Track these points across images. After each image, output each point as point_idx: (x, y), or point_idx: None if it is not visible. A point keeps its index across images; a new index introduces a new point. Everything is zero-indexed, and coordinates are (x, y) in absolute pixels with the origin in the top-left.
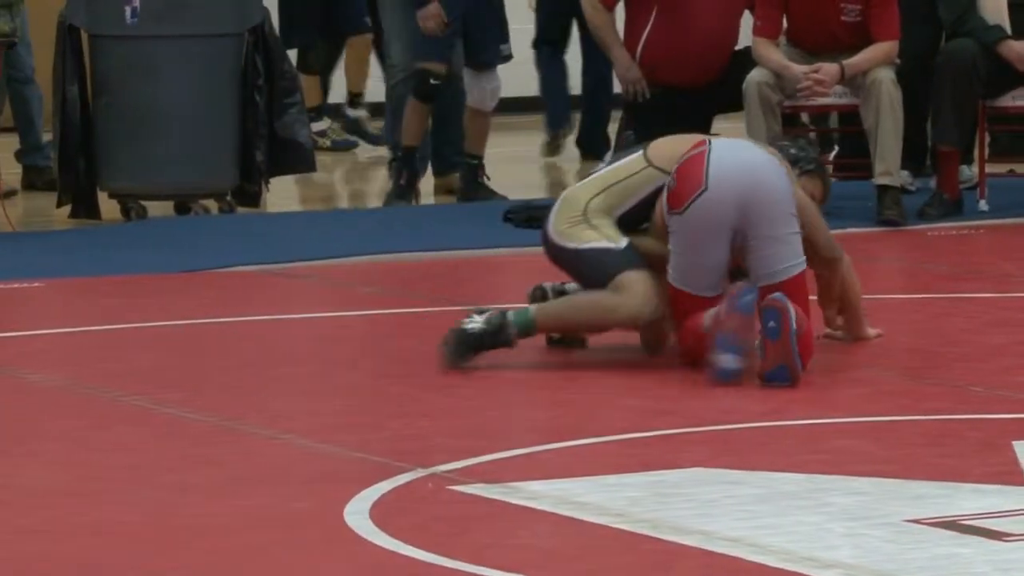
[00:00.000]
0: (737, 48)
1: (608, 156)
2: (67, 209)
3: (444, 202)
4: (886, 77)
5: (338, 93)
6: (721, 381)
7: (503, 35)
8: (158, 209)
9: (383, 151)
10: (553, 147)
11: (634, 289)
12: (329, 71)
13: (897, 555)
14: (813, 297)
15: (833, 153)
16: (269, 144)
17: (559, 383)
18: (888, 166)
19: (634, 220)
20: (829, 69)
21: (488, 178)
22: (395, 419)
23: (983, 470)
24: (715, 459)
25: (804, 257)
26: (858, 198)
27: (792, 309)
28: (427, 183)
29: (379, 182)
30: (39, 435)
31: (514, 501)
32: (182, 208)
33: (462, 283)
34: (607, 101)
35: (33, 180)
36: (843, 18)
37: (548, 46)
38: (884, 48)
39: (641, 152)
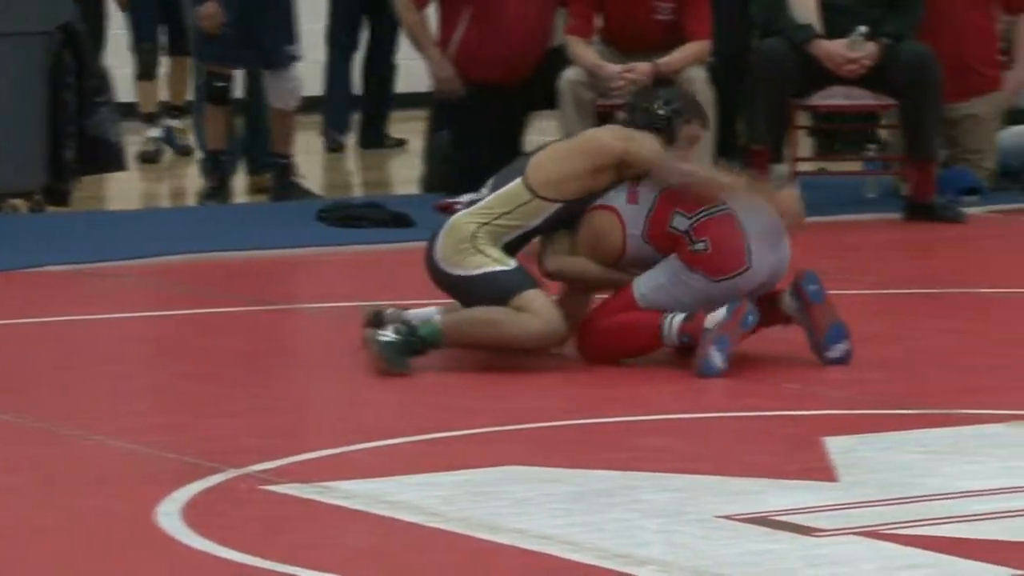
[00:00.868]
0: (551, 47)
1: (490, 182)
2: None
3: (259, 201)
4: (699, 76)
5: None
6: (705, 375)
7: (290, 36)
8: None
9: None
10: (336, 146)
11: (537, 307)
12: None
13: (709, 551)
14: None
15: None
16: (79, 143)
17: (368, 382)
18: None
19: (519, 245)
20: (642, 68)
21: (303, 176)
22: (207, 419)
23: (794, 466)
24: (529, 457)
25: None
26: None
27: None
28: (243, 182)
29: (195, 181)
30: None
31: (328, 501)
32: None
33: (275, 282)
34: (388, 99)
35: None
36: (656, 17)
37: (339, 46)
38: (697, 47)
39: (521, 180)
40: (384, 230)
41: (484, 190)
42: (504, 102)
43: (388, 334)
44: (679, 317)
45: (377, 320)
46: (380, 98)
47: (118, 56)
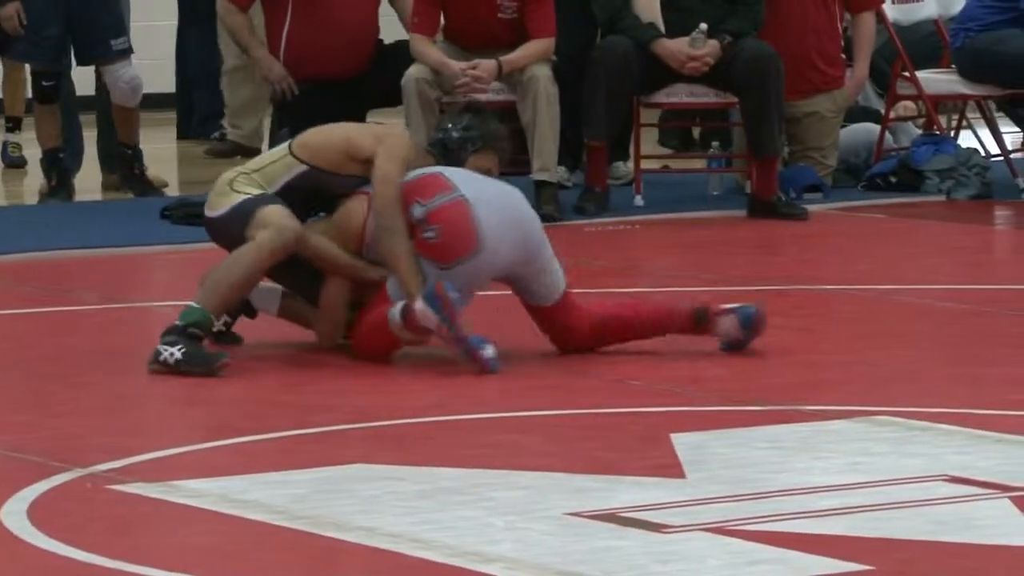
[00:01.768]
0: (392, 41)
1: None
2: None
3: (110, 199)
4: (543, 74)
5: None
6: (493, 371)
7: (117, 30)
8: None
9: None
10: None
11: (269, 219)
12: None
13: (558, 548)
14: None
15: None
16: None
17: (215, 381)
18: (545, 162)
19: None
20: (486, 66)
21: (146, 168)
22: (52, 418)
23: (642, 463)
24: (378, 455)
25: (562, 270)
26: None
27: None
28: (95, 180)
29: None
30: None
31: (174, 499)
32: None
33: (120, 280)
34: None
35: None
36: (500, 15)
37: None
38: (541, 45)
39: (288, 143)
40: None
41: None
42: (340, 98)
43: (170, 350)
44: (397, 309)
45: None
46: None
47: None
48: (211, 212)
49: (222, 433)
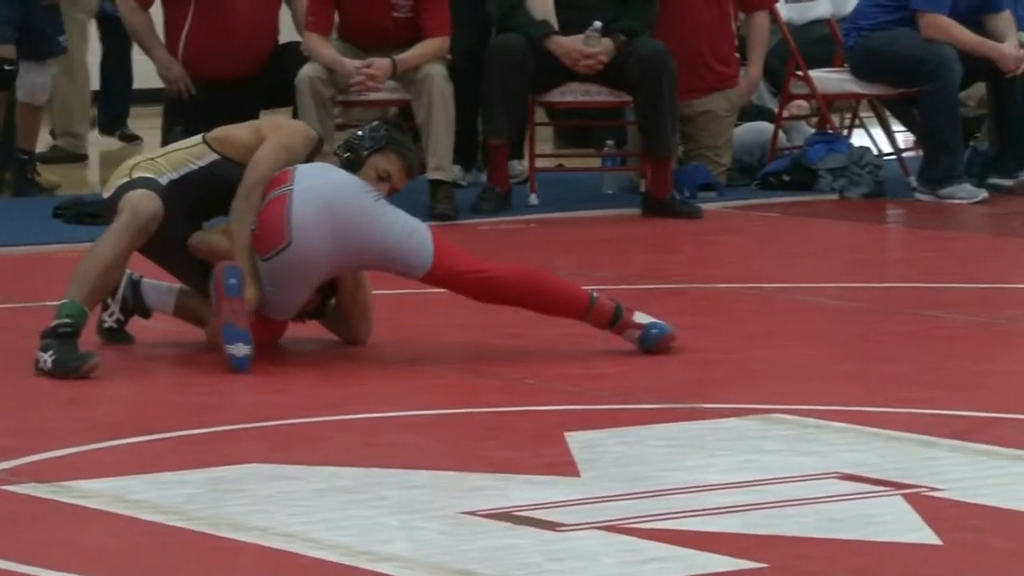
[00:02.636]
0: (283, 43)
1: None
2: None
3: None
4: (438, 73)
5: None
6: (238, 369)
7: (60, 26)
8: None
9: None
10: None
11: (126, 204)
12: None
13: (452, 547)
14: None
15: None
16: None
17: (106, 380)
18: (440, 161)
19: (184, 195)
20: (381, 64)
21: (39, 174)
22: None
23: (536, 461)
24: (272, 454)
25: (424, 232)
26: (411, 192)
27: None
28: None
29: None
30: None
31: (66, 500)
32: None
33: (12, 280)
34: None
35: None
36: (395, 14)
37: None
38: (435, 44)
39: (202, 135)
40: None
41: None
42: (236, 97)
43: (44, 357)
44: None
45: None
46: (119, 94)
47: None
48: (105, 194)
49: (114, 433)
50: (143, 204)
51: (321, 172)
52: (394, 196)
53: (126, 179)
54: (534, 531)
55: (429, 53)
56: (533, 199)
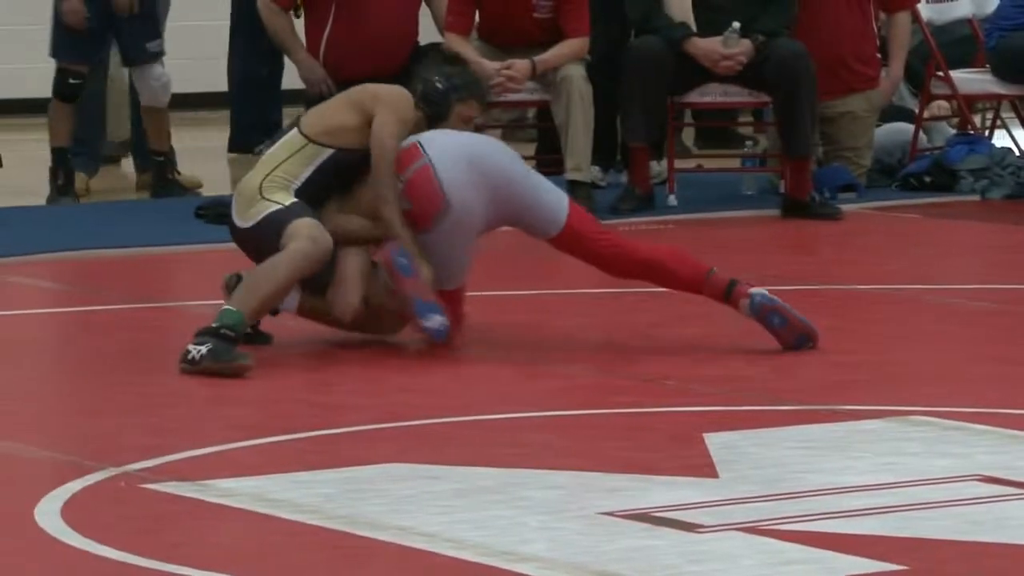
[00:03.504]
0: (425, 43)
1: (268, 141)
2: None
3: (140, 198)
4: (577, 73)
5: None
6: (439, 340)
7: (152, 32)
8: None
9: None
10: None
11: (300, 232)
12: None
13: (591, 547)
14: None
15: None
16: None
17: (245, 380)
18: (578, 161)
19: (315, 195)
20: (520, 65)
21: (179, 173)
22: (85, 417)
23: (675, 463)
24: (410, 454)
25: (560, 192)
26: None
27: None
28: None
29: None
30: None
31: (207, 499)
32: None
33: (154, 280)
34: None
35: None
36: (535, 15)
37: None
38: (575, 45)
39: (297, 129)
40: None
41: (260, 148)
42: None
43: (198, 349)
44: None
45: (237, 280)
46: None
47: None
48: (241, 222)
49: (254, 433)
50: (322, 236)
51: (443, 136)
52: None
53: (268, 202)
54: (673, 532)
55: (568, 54)
56: (672, 200)
